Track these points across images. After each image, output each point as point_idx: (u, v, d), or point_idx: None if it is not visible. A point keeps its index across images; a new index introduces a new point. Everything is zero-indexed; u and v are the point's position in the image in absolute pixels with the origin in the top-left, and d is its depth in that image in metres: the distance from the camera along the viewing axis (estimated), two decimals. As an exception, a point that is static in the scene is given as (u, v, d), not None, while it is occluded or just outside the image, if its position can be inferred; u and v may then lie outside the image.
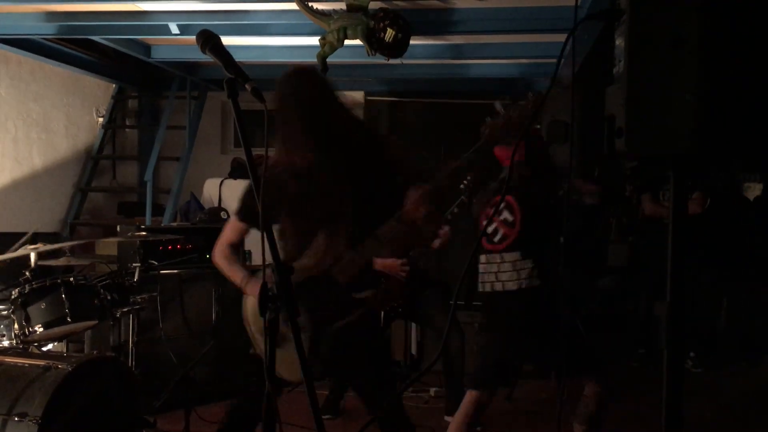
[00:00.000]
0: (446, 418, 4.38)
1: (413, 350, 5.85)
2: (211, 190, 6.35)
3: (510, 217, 3.43)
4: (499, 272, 3.44)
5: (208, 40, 1.94)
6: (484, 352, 3.66)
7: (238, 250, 2.81)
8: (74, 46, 6.13)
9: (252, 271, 2.76)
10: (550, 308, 3.37)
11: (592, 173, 6.47)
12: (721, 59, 1.78)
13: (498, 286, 3.44)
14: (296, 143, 2.66)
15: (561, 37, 5.25)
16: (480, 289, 3.57)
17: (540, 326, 3.33)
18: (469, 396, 3.50)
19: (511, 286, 3.38)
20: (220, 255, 2.79)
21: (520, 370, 3.86)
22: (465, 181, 4.51)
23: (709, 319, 6.15)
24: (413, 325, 5.79)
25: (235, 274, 2.76)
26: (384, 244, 2.62)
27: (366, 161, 2.68)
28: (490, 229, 3.45)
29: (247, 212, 2.71)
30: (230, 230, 2.77)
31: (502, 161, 3.60)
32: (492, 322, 3.59)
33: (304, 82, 2.78)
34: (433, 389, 5.18)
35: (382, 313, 4.49)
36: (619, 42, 1.84)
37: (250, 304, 2.73)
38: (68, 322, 3.69)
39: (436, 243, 4.50)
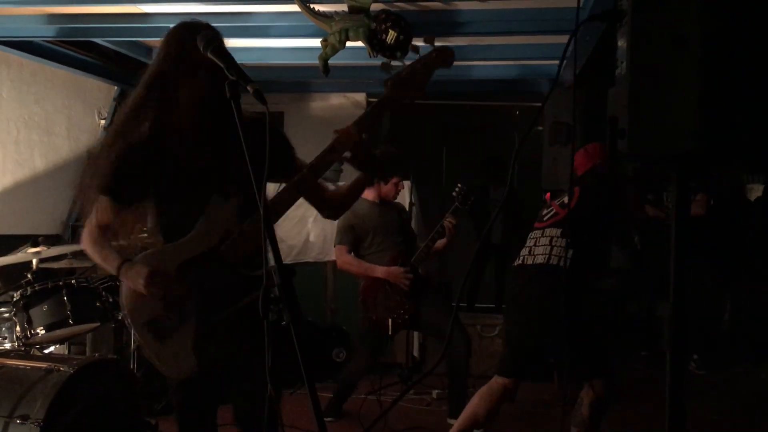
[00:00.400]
0: (449, 420, 4.38)
1: (415, 353, 5.85)
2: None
3: (566, 200, 3.57)
4: (535, 246, 3.50)
5: (210, 42, 1.93)
6: (508, 337, 3.70)
7: (107, 232, 2.33)
8: (76, 48, 6.13)
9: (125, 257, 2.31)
10: (574, 299, 3.33)
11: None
12: (723, 60, 1.77)
13: (528, 260, 3.49)
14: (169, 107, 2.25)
15: (563, 39, 5.24)
16: (514, 263, 3.62)
17: (556, 311, 3.27)
18: (496, 383, 3.53)
19: (540, 259, 3.42)
20: (88, 239, 2.33)
21: (541, 356, 3.80)
22: (457, 188, 4.54)
23: (712, 320, 6.13)
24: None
25: (107, 259, 2.30)
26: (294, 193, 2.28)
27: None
28: (545, 211, 3.61)
29: (107, 185, 2.25)
30: (96, 210, 2.30)
31: (578, 168, 3.73)
32: (512, 297, 3.61)
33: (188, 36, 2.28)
34: (436, 391, 5.18)
35: (390, 321, 4.48)
36: (622, 43, 1.84)
37: (126, 292, 2.29)
38: (70, 325, 3.69)
39: (441, 243, 4.49)
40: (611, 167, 3.65)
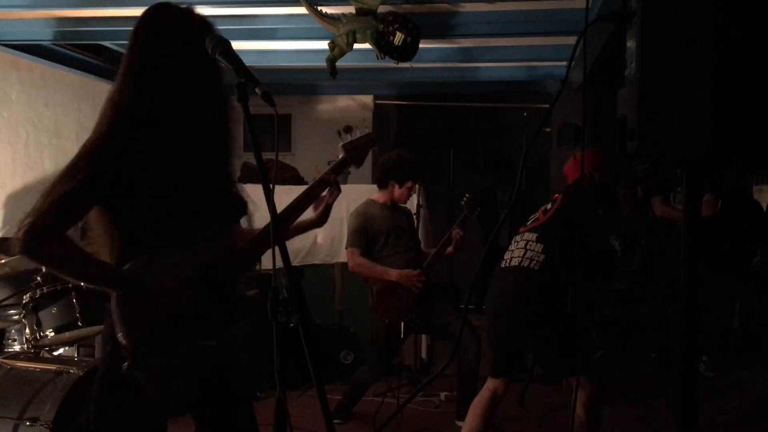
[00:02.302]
0: (457, 422, 4.37)
1: (423, 355, 5.84)
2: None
3: (549, 206, 3.63)
4: (514, 250, 3.57)
5: (219, 44, 1.93)
6: (488, 337, 3.78)
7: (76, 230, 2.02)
8: (84, 52, 6.16)
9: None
10: (545, 300, 3.40)
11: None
12: (733, 60, 1.76)
13: (504, 263, 3.58)
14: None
15: (571, 40, 5.24)
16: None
17: (527, 311, 3.43)
18: (486, 389, 3.64)
19: (515, 262, 3.50)
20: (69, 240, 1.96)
21: (521, 356, 3.83)
22: (465, 198, 4.51)
23: (722, 322, 6.10)
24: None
25: (99, 266, 2.01)
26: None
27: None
28: (531, 216, 3.69)
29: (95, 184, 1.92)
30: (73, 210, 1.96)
31: (568, 176, 3.78)
32: (490, 298, 3.69)
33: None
34: (444, 393, 5.17)
35: (402, 324, 4.48)
36: (631, 44, 1.83)
37: (128, 305, 1.99)
38: (79, 327, 3.69)
39: (449, 250, 4.50)
40: (606, 174, 3.64)
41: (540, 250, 3.43)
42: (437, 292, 4.65)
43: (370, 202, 4.68)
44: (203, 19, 2.09)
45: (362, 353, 5.48)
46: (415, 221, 4.96)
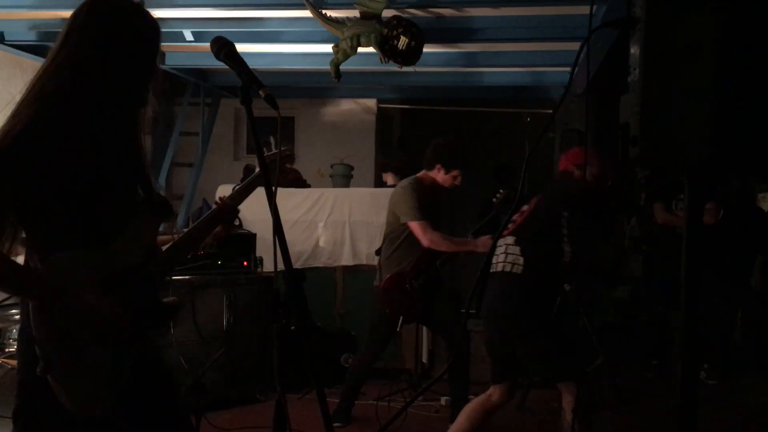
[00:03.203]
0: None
1: (424, 359, 5.84)
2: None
3: (526, 208, 3.63)
4: (498, 255, 3.57)
5: (223, 47, 1.94)
6: (485, 344, 3.76)
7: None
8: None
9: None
10: (529, 304, 3.42)
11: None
12: (737, 67, 1.76)
13: (492, 269, 3.58)
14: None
15: (575, 46, 5.24)
16: None
17: (517, 317, 3.44)
18: (484, 394, 3.62)
19: (499, 267, 3.51)
20: None
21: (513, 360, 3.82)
22: (497, 196, 4.47)
23: (724, 330, 6.09)
24: (424, 333, 5.78)
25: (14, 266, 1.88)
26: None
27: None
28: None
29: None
30: None
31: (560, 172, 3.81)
32: (483, 306, 3.68)
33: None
34: (444, 398, 5.16)
35: (400, 318, 4.49)
36: (634, 50, 1.83)
37: (38, 304, 1.85)
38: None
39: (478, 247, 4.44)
40: (600, 177, 3.62)
41: (519, 253, 3.44)
42: (443, 289, 4.65)
43: (417, 180, 4.58)
44: (148, 16, 1.97)
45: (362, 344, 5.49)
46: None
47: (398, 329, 4.54)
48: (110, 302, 1.88)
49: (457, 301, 4.90)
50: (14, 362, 3.30)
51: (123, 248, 1.95)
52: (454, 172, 4.48)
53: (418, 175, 4.61)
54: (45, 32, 5.43)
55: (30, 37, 5.50)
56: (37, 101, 1.88)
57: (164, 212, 2.09)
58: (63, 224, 1.86)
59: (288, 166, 7.05)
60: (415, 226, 4.40)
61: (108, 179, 1.93)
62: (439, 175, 4.50)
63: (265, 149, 2.26)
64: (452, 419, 4.40)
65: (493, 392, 3.59)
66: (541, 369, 3.59)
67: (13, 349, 3.80)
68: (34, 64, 5.88)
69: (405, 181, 4.60)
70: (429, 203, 4.50)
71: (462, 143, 4.62)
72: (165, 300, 2.08)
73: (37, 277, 1.86)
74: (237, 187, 2.42)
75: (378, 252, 4.85)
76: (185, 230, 2.27)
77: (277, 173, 2.06)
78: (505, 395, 3.59)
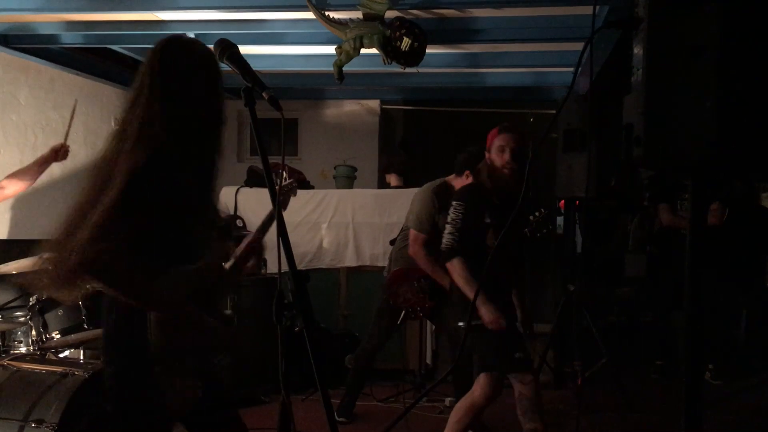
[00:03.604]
0: None
1: (428, 359, 5.83)
2: (226, 198, 6.37)
3: None
4: None
5: (226, 49, 1.95)
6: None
7: None
8: (93, 55, 6.18)
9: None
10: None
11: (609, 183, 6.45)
12: (739, 68, 1.76)
13: None
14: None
15: (578, 46, 5.23)
16: None
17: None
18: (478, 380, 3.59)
19: None
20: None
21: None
22: (536, 214, 4.38)
23: (728, 330, 6.08)
24: (428, 334, 5.78)
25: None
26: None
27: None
28: None
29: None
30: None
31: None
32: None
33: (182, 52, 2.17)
34: (448, 399, 5.15)
35: (403, 313, 4.53)
36: (637, 51, 1.83)
37: (164, 321, 2.05)
38: (85, 329, 3.70)
39: None
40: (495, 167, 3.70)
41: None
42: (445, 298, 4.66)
43: (444, 184, 4.60)
44: (208, 50, 2.16)
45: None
46: None
47: (399, 322, 4.57)
48: (208, 316, 2.10)
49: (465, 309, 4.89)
50: (19, 364, 3.31)
51: (204, 267, 2.13)
52: (467, 173, 4.51)
53: (447, 178, 4.64)
54: (49, 36, 5.44)
55: (34, 40, 5.51)
56: (144, 138, 2.02)
57: (229, 233, 2.23)
58: (168, 243, 2.04)
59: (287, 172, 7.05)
60: (411, 234, 4.53)
61: (200, 201, 2.13)
62: (467, 182, 4.51)
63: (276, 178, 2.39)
64: None
65: (475, 387, 3.56)
66: (486, 360, 3.59)
67: (17, 352, 3.81)
68: (38, 67, 5.89)
69: (428, 185, 4.66)
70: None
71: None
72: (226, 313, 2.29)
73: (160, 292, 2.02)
74: (264, 220, 2.53)
75: (392, 242, 4.90)
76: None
77: (281, 174, 2.07)
78: (487, 389, 3.51)
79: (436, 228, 4.36)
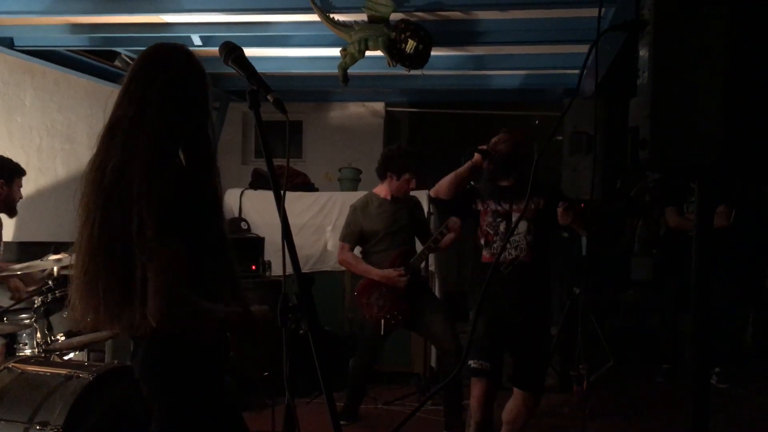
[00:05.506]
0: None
1: (432, 362, 5.82)
2: (231, 200, 6.38)
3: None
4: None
5: (231, 51, 1.94)
6: None
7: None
8: (98, 58, 6.20)
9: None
10: None
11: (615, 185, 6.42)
12: (746, 70, 1.75)
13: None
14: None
15: (583, 48, 5.22)
16: None
17: None
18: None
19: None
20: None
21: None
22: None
23: (735, 334, 6.05)
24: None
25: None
26: None
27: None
28: None
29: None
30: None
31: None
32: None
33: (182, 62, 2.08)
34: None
35: (383, 321, 4.49)
36: (643, 53, 1.82)
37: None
38: (89, 332, 3.71)
39: (449, 238, 4.44)
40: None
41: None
42: (426, 292, 4.66)
43: (371, 196, 4.73)
44: (193, 56, 2.10)
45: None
46: (426, 210, 4.98)
47: (382, 333, 4.54)
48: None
49: (446, 305, 4.86)
50: (24, 367, 3.31)
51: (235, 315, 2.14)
52: (406, 177, 4.59)
53: (374, 189, 4.76)
54: (54, 37, 5.45)
55: (39, 42, 5.52)
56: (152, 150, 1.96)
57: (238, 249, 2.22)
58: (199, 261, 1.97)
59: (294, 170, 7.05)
60: (339, 243, 4.73)
61: (216, 217, 2.10)
62: (392, 183, 4.58)
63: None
64: (447, 426, 4.41)
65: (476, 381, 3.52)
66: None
67: (22, 354, 3.81)
68: (43, 69, 5.91)
69: (359, 199, 4.78)
70: (379, 220, 4.59)
71: (413, 147, 4.81)
72: None
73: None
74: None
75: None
76: None
77: (286, 176, 2.06)
78: (481, 389, 3.48)
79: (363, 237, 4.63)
